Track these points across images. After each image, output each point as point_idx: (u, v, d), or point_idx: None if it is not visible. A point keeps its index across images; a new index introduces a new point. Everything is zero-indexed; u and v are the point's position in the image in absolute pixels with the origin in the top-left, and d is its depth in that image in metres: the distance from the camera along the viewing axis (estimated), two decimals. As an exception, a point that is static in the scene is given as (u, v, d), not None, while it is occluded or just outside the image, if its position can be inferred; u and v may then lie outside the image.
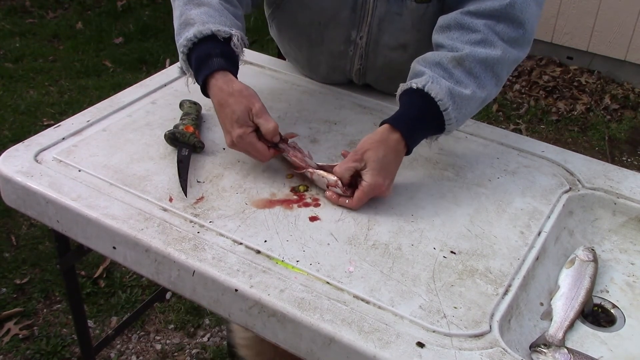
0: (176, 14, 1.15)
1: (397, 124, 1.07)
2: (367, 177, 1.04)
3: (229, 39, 1.10)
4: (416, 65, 1.11)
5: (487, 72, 1.08)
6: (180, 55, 1.12)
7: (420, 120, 1.08)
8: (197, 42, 1.08)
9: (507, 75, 1.12)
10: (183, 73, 1.16)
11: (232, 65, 1.10)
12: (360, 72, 1.35)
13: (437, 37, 1.13)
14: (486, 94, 1.09)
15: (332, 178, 1.07)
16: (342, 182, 1.07)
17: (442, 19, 1.13)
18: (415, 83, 1.07)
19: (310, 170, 1.11)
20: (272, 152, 1.10)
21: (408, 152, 1.09)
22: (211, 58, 1.08)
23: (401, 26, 1.24)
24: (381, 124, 1.09)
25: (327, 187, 1.08)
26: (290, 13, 1.31)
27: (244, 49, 1.13)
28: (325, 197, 1.08)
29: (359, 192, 1.05)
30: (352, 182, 1.07)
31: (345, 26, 1.27)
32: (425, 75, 1.06)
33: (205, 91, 1.11)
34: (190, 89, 1.24)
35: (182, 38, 1.10)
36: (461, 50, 1.07)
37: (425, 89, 1.05)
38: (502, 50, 1.08)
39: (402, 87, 1.10)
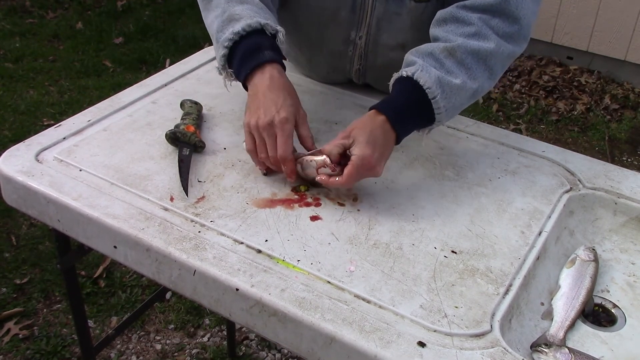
0: (216, 12, 1.13)
1: (382, 108, 1.07)
2: (356, 150, 1.03)
3: (274, 34, 1.10)
4: (409, 55, 1.11)
5: (479, 64, 1.08)
6: (222, 51, 1.09)
7: (407, 107, 1.07)
8: (245, 35, 1.08)
9: (502, 69, 1.12)
10: (220, 73, 1.14)
11: (281, 59, 1.10)
12: (360, 72, 1.35)
13: (433, 30, 1.14)
14: (478, 86, 1.09)
15: (320, 158, 1.06)
16: (330, 160, 1.05)
17: (439, 13, 1.14)
18: (405, 71, 1.07)
19: (298, 158, 1.09)
20: (293, 159, 1.07)
21: (397, 141, 1.08)
22: (263, 49, 1.08)
23: (400, 26, 1.24)
24: (369, 110, 1.09)
25: (317, 170, 1.07)
26: (291, 13, 1.31)
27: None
28: (318, 182, 1.07)
29: (349, 167, 1.03)
30: (342, 162, 1.06)
31: (344, 26, 1.27)
32: (416, 64, 1.07)
33: (248, 81, 1.09)
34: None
35: (228, 32, 1.08)
36: (454, 41, 1.08)
37: (415, 77, 1.05)
38: (495, 44, 1.08)
39: (394, 76, 1.10)
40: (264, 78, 1.07)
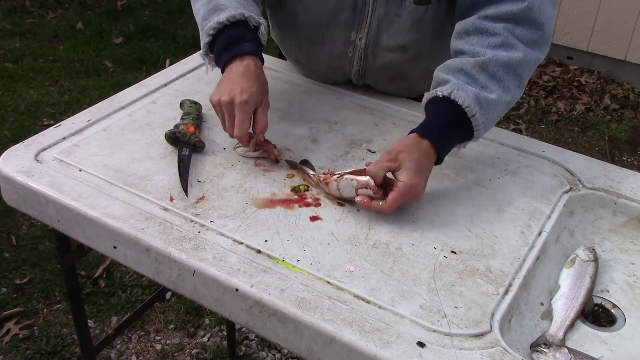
0: (203, 1, 1.16)
1: (425, 131, 1.05)
2: (403, 177, 1.01)
3: (257, 27, 1.13)
4: (439, 73, 1.09)
5: (510, 75, 1.07)
6: (206, 38, 1.12)
7: (448, 128, 1.06)
8: (229, 25, 1.11)
9: (528, 76, 1.11)
10: (202, 58, 1.18)
11: (261, 53, 1.14)
12: (359, 73, 1.35)
13: (456, 43, 1.12)
14: (511, 97, 1.08)
15: (364, 179, 1.02)
16: (374, 182, 1.02)
17: (460, 25, 1.12)
18: (440, 91, 1.05)
19: (335, 177, 1.06)
20: (248, 137, 1.11)
21: (439, 161, 1.07)
22: (243, 42, 1.11)
23: (400, 27, 1.24)
24: (409, 133, 1.07)
25: (357, 191, 1.03)
26: (291, 14, 1.31)
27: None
28: (357, 203, 1.04)
29: (395, 193, 1.01)
30: (382, 185, 1.03)
31: (344, 27, 1.27)
32: (450, 83, 1.05)
33: (224, 69, 1.13)
34: (196, 84, 1.23)
35: (212, 21, 1.11)
36: (483, 54, 1.06)
37: (452, 97, 1.03)
38: (523, 52, 1.07)
39: (427, 95, 1.08)
40: (240, 65, 1.10)
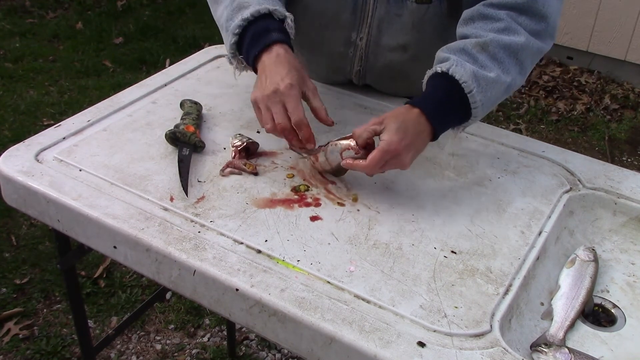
0: (226, 3, 1.15)
1: (418, 102, 1.06)
2: (384, 136, 1.02)
3: (282, 20, 1.12)
4: (440, 53, 1.10)
5: (510, 58, 1.07)
6: (233, 39, 1.11)
7: (444, 102, 1.06)
8: (254, 20, 1.10)
9: (531, 65, 1.12)
10: (230, 62, 1.16)
11: (289, 41, 1.12)
12: (360, 74, 1.35)
13: (461, 29, 1.14)
14: (511, 80, 1.08)
15: (347, 141, 1.04)
16: (357, 143, 1.03)
17: (465, 13, 1.14)
18: (439, 67, 1.06)
19: (322, 147, 1.08)
20: (306, 123, 1.05)
21: (435, 137, 1.07)
22: (270, 32, 1.10)
23: (401, 27, 1.24)
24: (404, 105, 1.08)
25: (341, 154, 1.05)
26: (292, 14, 1.31)
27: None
28: (343, 166, 1.06)
29: (374, 152, 1.01)
30: (369, 149, 1.04)
31: (345, 28, 1.27)
32: (449, 60, 1.06)
33: (255, 65, 1.11)
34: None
35: (237, 19, 1.10)
36: (485, 36, 1.07)
37: (450, 72, 1.04)
38: (525, 38, 1.08)
39: (428, 73, 1.09)
40: (270, 56, 1.08)
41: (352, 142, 1.04)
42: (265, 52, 1.09)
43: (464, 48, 1.07)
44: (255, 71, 1.12)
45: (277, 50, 1.09)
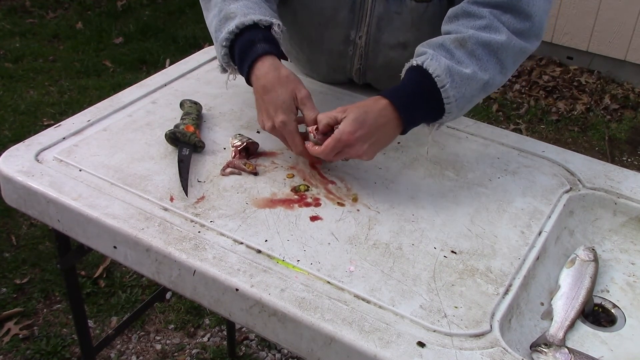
0: (214, 12, 1.16)
1: (387, 94, 1.06)
2: (340, 125, 1.04)
3: (269, 27, 1.12)
4: (419, 47, 1.10)
5: (490, 56, 1.07)
6: (222, 50, 1.12)
7: (415, 95, 1.06)
8: (239, 32, 1.10)
9: (513, 64, 1.11)
10: (224, 70, 1.18)
11: (276, 49, 1.12)
12: (360, 72, 1.35)
13: (445, 26, 1.14)
14: (489, 78, 1.08)
15: (310, 127, 1.08)
16: (317, 128, 1.06)
17: (450, 11, 1.14)
18: (415, 61, 1.06)
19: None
20: (306, 147, 1.09)
21: (404, 130, 1.07)
22: (255, 44, 1.10)
23: (400, 25, 1.24)
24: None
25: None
26: (291, 13, 1.31)
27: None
28: (309, 150, 1.08)
29: (328, 139, 1.04)
30: (329, 135, 1.06)
31: (344, 26, 1.27)
32: (426, 54, 1.06)
33: (249, 80, 1.12)
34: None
35: (224, 32, 1.11)
36: (465, 33, 1.07)
37: (424, 65, 1.04)
38: (506, 37, 1.07)
39: (405, 66, 1.10)
40: (260, 73, 1.09)
41: (312, 128, 1.08)
42: (253, 69, 1.10)
43: (442, 43, 1.07)
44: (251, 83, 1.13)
45: (263, 66, 1.09)
